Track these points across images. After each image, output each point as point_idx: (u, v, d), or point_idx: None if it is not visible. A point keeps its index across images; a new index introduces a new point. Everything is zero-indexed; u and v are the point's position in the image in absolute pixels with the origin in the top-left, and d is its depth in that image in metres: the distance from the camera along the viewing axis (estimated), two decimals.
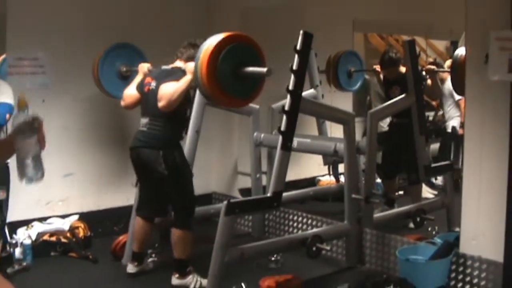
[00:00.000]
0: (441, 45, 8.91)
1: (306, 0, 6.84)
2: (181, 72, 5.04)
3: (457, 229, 5.26)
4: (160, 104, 4.97)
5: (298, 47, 4.85)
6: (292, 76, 4.85)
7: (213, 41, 4.31)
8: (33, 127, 2.65)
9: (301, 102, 4.90)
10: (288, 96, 4.86)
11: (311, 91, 6.93)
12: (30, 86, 6.14)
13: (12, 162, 5.37)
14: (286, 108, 4.85)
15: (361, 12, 7.35)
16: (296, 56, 4.86)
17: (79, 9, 6.41)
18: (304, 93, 4.98)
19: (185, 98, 5.07)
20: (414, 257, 5.07)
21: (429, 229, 5.92)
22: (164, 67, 5.31)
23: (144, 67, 5.54)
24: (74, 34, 6.33)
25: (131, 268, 5.54)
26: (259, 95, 4.69)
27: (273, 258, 5.66)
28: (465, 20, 4.83)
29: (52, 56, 6.24)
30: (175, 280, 5.21)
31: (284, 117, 4.87)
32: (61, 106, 6.38)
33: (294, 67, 4.84)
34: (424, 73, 6.59)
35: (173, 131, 5.20)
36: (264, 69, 4.30)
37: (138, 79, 5.49)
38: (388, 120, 6.93)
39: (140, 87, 5.36)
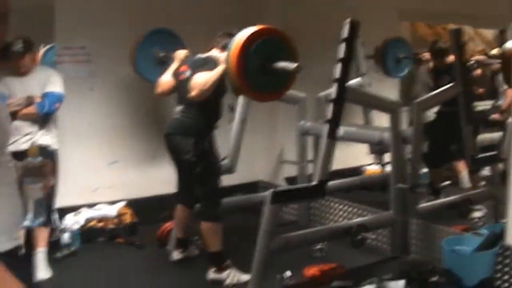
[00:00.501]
0: (489, 33, 8.82)
1: None
2: (213, 62, 4.99)
3: (504, 220, 5.21)
4: (192, 93, 4.91)
5: (344, 35, 4.83)
6: (339, 65, 4.83)
7: (244, 34, 4.28)
8: (41, 173, 2.62)
9: (348, 91, 4.88)
10: (335, 85, 4.84)
11: (358, 79, 6.90)
12: (78, 74, 6.23)
13: (61, 149, 5.50)
14: (333, 96, 4.84)
15: (407, 1, 7.31)
16: (343, 44, 4.84)
17: None
18: (350, 82, 4.96)
19: (220, 88, 5.00)
20: (459, 248, 5.04)
21: (475, 220, 5.88)
22: (200, 55, 5.28)
23: (180, 54, 5.50)
24: (120, 22, 6.38)
25: (176, 255, 5.61)
26: (289, 89, 4.64)
27: (317, 247, 5.68)
28: None
29: (99, 45, 6.31)
30: (211, 274, 5.19)
31: (331, 105, 4.86)
32: (107, 93, 6.48)
33: (341, 55, 4.82)
34: (473, 63, 6.54)
35: (206, 120, 5.18)
36: (293, 65, 4.25)
37: (174, 66, 5.45)
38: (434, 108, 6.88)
39: (175, 74, 5.35)
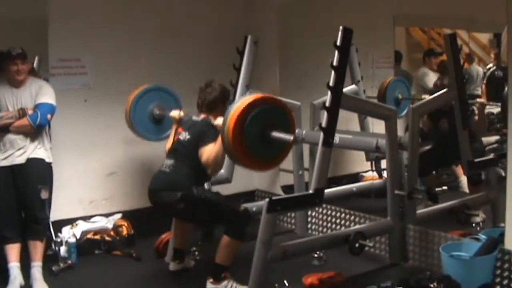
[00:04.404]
0: (484, 37, 8.80)
1: None
2: (213, 130, 5.07)
3: (502, 225, 5.19)
4: (209, 171, 5.04)
5: (338, 42, 4.81)
6: (333, 72, 4.81)
7: (242, 102, 4.24)
8: None
9: (342, 98, 4.86)
10: (329, 92, 4.82)
11: (353, 86, 6.88)
12: (72, 86, 6.21)
13: (56, 162, 5.48)
14: (327, 104, 4.81)
15: (402, 6, 7.28)
16: (336, 52, 4.82)
17: (120, 11, 6.48)
18: (345, 89, 4.94)
19: None
20: (458, 253, 5.01)
21: (473, 224, 5.86)
22: (194, 118, 5.37)
23: (175, 116, 5.62)
24: (115, 35, 6.39)
25: (173, 266, 5.61)
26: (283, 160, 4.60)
27: (316, 255, 5.66)
28: (506, 13, 4.77)
29: (94, 57, 6.31)
30: (209, 285, 5.12)
31: (325, 113, 4.84)
32: (103, 105, 6.45)
33: (335, 63, 4.80)
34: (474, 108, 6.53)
35: (198, 176, 5.16)
36: (291, 137, 4.23)
37: (173, 130, 5.58)
38: None
39: (173, 135, 5.48)
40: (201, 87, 5.39)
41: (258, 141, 4.27)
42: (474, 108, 6.59)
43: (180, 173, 5.13)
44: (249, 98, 4.30)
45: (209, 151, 4.99)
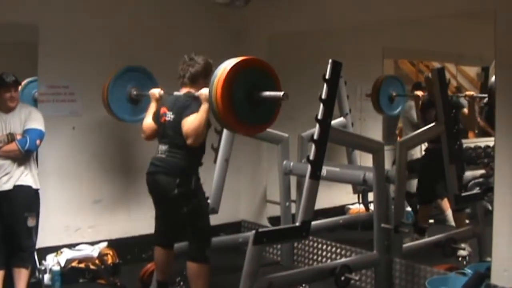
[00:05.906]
0: (471, 71, 8.86)
1: (335, 27, 6.78)
2: (196, 102, 4.98)
3: (488, 259, 5.19)
4: (189, 141, 4.91)
5: (327, 76, 4.81)
6: (321, 105, 4.81)
7: (226, 66, 4.22)
8: None
9: (330, 131, 4.85)
10: (317, 125, 4.81)
11: (341, 119, 6.90)
12: (61, 113, 6.20)
13: (42, 188, 5.46)
14: (315, 137, 4.80)
15: (391, 39, 7.33)
16: (325, 85, 4.82)
17: (107, 38, 6.51)
18: (333, 122, 4.94)
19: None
20: None
21: (460, 259, 5.86)
22: (176, 93, 5.24)
23: (155, 93, 5.52)
24: (104, 63, 6.37)
25: None
26: (275, 120, 4.57)
27: None
28: (495, 48, 4.80)
29: (83, 84, 6.31)
30: None
31: (313, 146, 4.84)
32: (90, 133, 6.45)
33: (323, 96, 4.79)
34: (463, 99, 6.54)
35: (193, 159, 5.12)
36: (280, 93, 4.18)
37: (152, 108, 5.46)
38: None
39: (156, 117, 5.32)
40: (183, 59, 5.24)
41: (247, 102, 4.22)
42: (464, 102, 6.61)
43: (175, 157, 5.07)
44: (234, 60, 4.25)
45: (190, 121, 4.92)
